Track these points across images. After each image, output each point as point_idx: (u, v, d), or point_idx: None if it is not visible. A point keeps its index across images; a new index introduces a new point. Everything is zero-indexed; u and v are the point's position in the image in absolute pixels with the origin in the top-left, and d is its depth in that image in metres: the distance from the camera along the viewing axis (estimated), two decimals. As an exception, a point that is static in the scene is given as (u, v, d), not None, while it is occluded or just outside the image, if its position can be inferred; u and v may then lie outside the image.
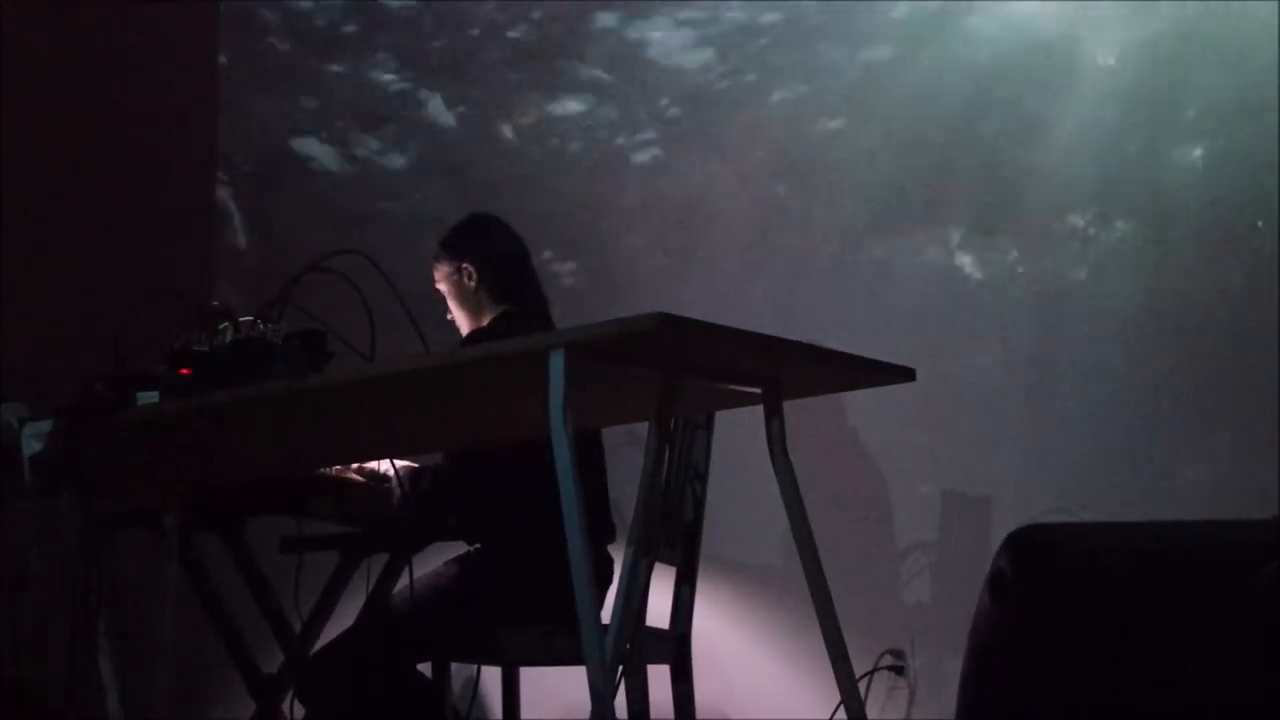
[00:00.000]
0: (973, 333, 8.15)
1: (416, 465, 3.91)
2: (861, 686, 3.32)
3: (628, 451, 5.03)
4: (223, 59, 6.75)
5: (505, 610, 3.66)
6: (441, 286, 4.01)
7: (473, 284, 3.96)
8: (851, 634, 3.11)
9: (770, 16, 7.16)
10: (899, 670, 5.41)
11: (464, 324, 3.97)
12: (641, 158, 7.21)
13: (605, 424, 3.76)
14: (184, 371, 3.22)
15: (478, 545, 3.85)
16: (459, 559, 3.83)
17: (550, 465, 2.81)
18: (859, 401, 7.22)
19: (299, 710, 3.79)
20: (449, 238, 4.06)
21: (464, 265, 3.96)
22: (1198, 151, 7.04)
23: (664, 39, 7.36)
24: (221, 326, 3.23)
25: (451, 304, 4.00)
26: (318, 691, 3.72)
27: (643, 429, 3.30)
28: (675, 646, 3.64)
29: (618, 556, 3.19)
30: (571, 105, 7.38)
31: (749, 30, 7.19)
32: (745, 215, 6.94)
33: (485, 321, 3.94)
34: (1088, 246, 7.83)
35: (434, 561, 3.83)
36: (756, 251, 6.88)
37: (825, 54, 6.95)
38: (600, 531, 3.78)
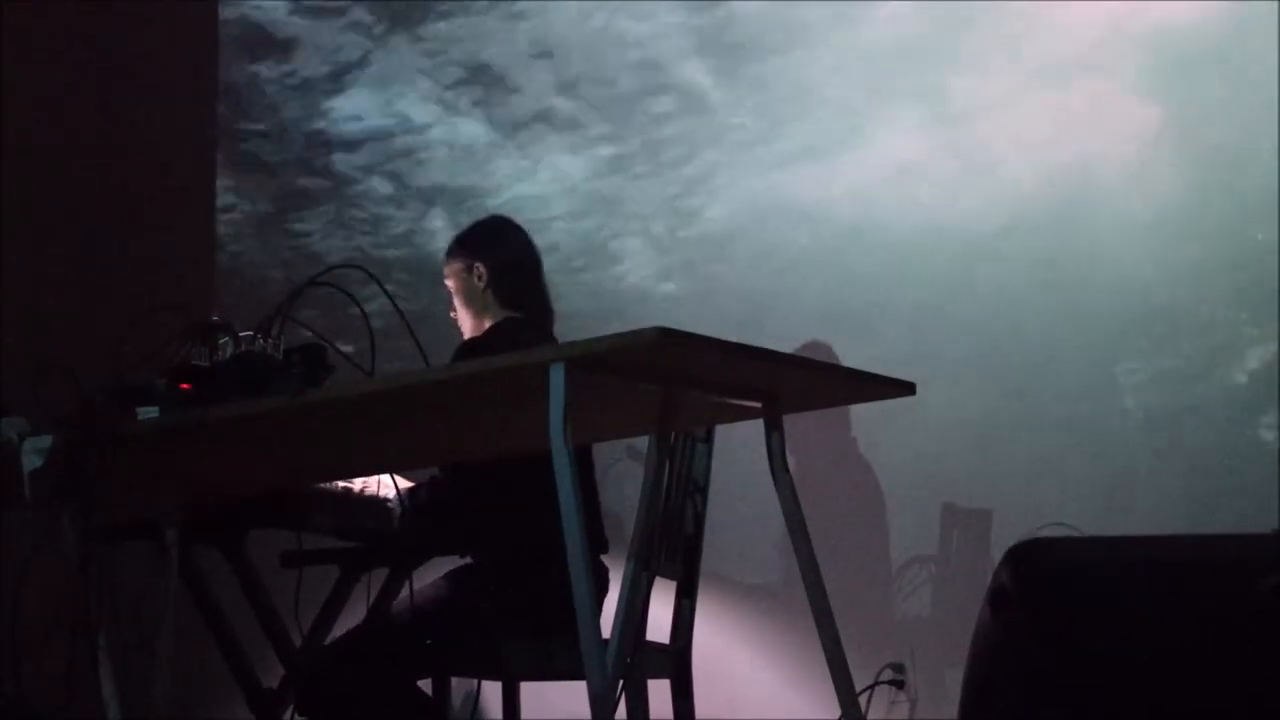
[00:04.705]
0: (974, 347, 8.16)
1: (413, 483, 3.91)
2: (862, 700, 3.32)
3: (627, 465, 5.04)
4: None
5: (505, 623, 3.66)
6: (449, 283, 4.00)
7: (481, 284, 3.94)
8: (852, 647, 3.11)
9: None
10: (899, 684, 5.39)
11: (466, 323, 3.97)
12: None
13: (606, 437, 3.76)
14: (184, 386, 3.22)
15: (476, 559, 3.85)
16: (458, 573, 3.83)
17: (545, 477, 2.81)
18: (859, 415, 7.23)
19: (299, 724, 3.79)
20: (465, 235, 4.06)
21: (475, 264, 3.95)
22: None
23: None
24: (221, 341, 3.23)
25: (457, 301, 3.99)
26: (318, 706, 3.71)
27: (643, 443, 3.31)
28: (676, 661, 3.64)
29: (613, 568, 3.19)
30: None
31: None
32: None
33: (486, 324, 3.92)
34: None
35: (434, 575, 3.83)
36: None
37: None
38: (593, 542, 3.77)
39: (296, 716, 3.81)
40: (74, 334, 5.19)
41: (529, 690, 4.00)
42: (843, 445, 7.34)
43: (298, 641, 4.03)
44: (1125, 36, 8.55)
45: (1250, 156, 7.87)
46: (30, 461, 3.40)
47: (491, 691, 4.08)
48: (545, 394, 2.81)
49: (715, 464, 3.65)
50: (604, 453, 3.94)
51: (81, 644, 3.37)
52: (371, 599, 3.96)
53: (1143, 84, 8.65)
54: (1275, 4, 7.57)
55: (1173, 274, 8.12)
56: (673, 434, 3.41)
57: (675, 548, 3.61)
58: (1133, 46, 8.53)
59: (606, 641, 2.88)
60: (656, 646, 3.60)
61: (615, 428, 3.57)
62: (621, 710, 3.08)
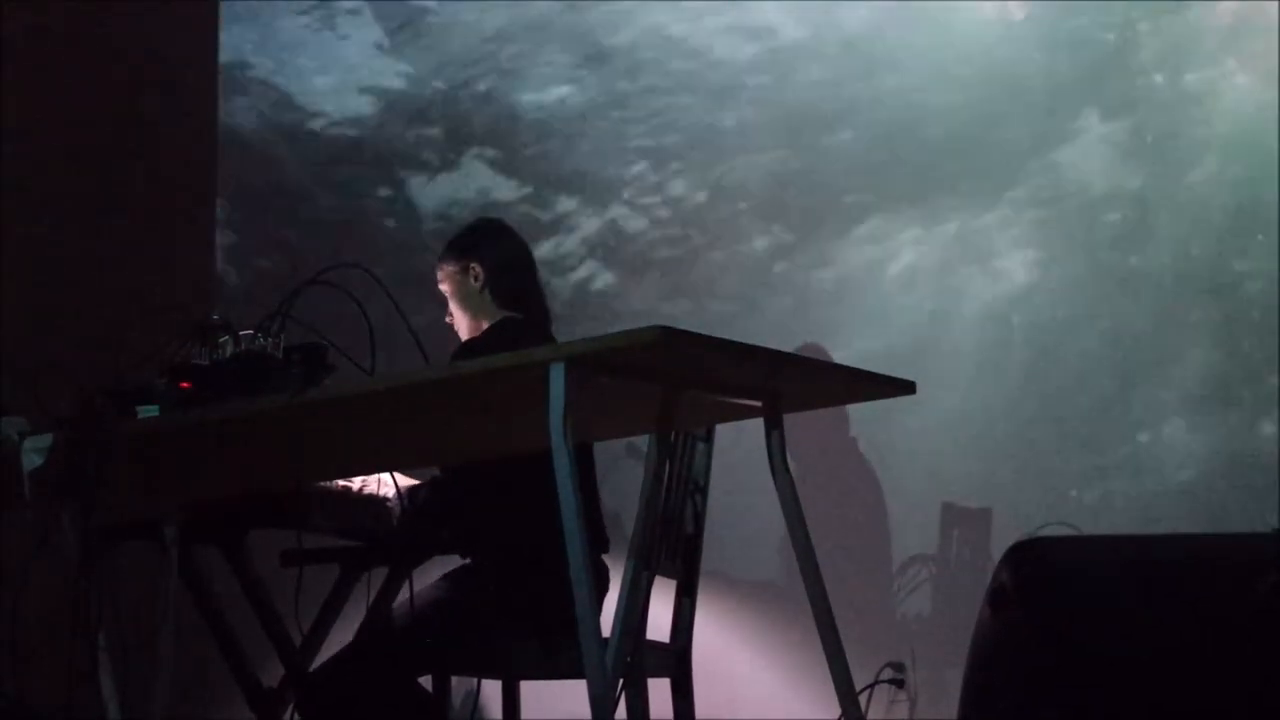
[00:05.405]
0: (975, 348, 8.16)
1: (415, 482, 3.91)
2: (862, 699, 3.32)
3: (628, 464, 5.04)
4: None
5: (505, 623, 3.66)
6: (444, 287, 3.99)
7: (478, 285, 3.94)
8: (852, 646, 3.11)
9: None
10: (899, 683, 5.40)
11: (463, 326, 3.96)
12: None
13: (606, 436, 3.76)
14: (184, 385, 3.23)
15: (476, 558, 3.85)
16: (457, 573, 3.83)
17: (545, 477, 2.81)
18: (859, 415, 7.23)
19: (299, 724, 3.79)
20: (457, 238, 4.05)
21: (471, 265, 3.94)
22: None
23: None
24: (221, 340, 3.23)
25: (453, 304, 3.98)
26: (318, 705, 3.72)
27: (643, 442, 3.30)
28: (675, 660, 3.64)
29: (613, 567, 3.19)
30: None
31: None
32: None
33: (484, 325, 3.92)
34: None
35: (434, 575, 3.83)
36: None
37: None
38: (594, 541, 3.77)
39: (296, 716, 3.81)
40: (74, 334, 5.20)
41: (529, 690, 4.00)
42: (843, 445, 7.35)
43: (298, 641, 4.03)
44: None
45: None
46: (30, 461, 3.40)
47: (491, 691, 4.08)
48: (545, 394, 2.81)
49: (715, 464, 3.65)
50: (604, 452, 3.93)
51: (81, 644, 3.37)
52: (371, 599, 3.96)
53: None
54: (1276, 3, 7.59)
55: (1176, 273, 8.13)
56: (673, 434, 3.42)
57: (675, 547, 3.61)
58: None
59: (606, 641, 2.88)
60: (656, 646, 3.60)
61: (615, 428, 3.57)
62: (621, 710, 3.09)
